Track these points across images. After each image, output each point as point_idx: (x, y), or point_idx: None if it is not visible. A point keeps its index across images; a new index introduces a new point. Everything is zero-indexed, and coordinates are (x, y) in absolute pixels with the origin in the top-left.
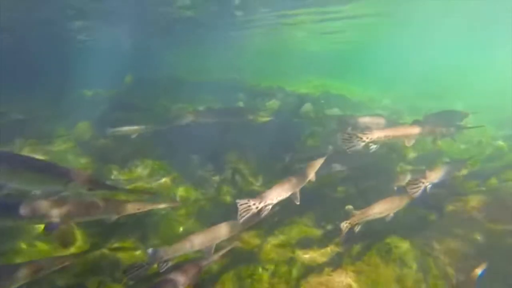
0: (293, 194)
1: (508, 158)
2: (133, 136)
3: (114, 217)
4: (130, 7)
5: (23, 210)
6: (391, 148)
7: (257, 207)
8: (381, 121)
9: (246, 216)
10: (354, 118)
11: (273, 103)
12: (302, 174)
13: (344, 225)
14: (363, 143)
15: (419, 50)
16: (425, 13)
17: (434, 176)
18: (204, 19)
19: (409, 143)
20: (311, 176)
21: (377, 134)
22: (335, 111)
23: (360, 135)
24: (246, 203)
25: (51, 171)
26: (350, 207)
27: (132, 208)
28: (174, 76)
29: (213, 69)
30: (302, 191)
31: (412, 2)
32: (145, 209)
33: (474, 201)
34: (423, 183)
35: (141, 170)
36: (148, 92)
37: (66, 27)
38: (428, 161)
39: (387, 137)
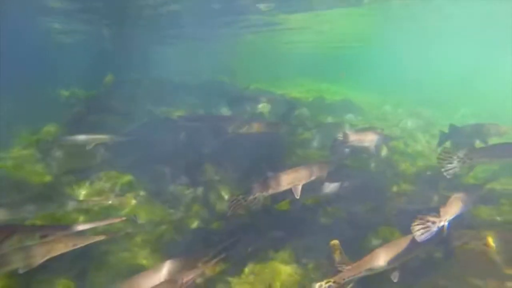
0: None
1: None
2: (90, 147)
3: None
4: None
5: None
6: (387, 163)
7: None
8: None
9: None
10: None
11: (263, 107)
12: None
13: (324, 286)
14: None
15: (417, 54)
16: (423, 17)
17: (451, 211)
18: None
19: None
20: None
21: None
22: (350, 117)
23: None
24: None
25: None
26: (335, 243)
27: (63, 247)
28: (159, 77)
29: (203, 70)
30: (280, 215)
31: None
32: (85, 243)
33: (490, 236)
34: (435, 223)
35: (103, 184)
36: (129, 94)
37: (41, 23)
38: (431, 179)
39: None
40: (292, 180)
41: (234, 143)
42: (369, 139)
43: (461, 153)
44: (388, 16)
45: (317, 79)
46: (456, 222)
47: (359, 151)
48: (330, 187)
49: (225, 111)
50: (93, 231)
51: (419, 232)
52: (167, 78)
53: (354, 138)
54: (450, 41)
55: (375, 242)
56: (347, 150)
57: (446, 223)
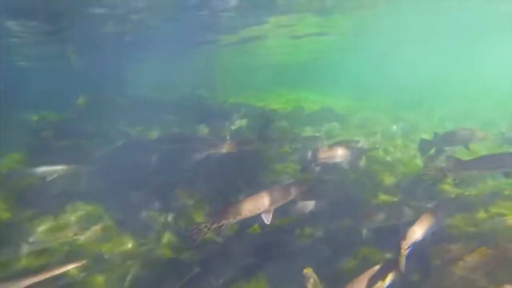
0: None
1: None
2: (50, 178)
3: None
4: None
5: None
6: (366, 174)
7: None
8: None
9: None
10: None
11: (241, 122)
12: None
13: None
14: None
15: (392, 58)
16: (396, 22)
17: (418, 232)
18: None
19: None
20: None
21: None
22: (332, 126)
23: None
24: None
25: None
26: (308, 272)
27: None
28: (135, 95)
29: (182, 85)
30: (254, 239)
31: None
32: None
33: (466, 252)
34: (402, 248)
35: (68, 217)
36: (103, 115)
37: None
38: (409, 188)
39: None
40: (261, 205)
41: (209, 163)
42: (340, 155)
43: (447, 166)
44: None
45: (296, 88)
46: (430, 238)
47: (331, 168)
48: (305, 207)
49: (203, 128)
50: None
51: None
52: (144, 96)
53: (324, 155)
54: (424, 42)
55: (353, 263)
56: (317, 168)
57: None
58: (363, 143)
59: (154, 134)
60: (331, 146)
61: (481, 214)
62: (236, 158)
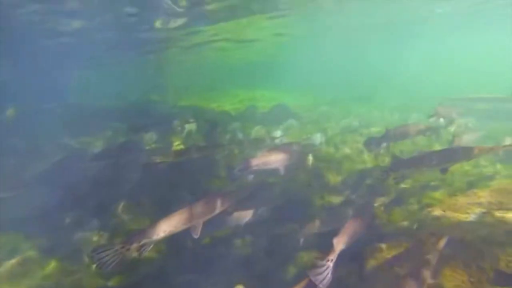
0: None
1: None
2: None
3: None
4: None
5: None
6: (313, 173)
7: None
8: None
9: None
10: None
11: (190, 126)
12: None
13: None
14: None
15: (344, 54)
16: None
17: (342, 242)
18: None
19: None
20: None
21: None
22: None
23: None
24: None
25: None
26: None
27: None
28: (78, 103)
29: (132, 90)
30: (191, 253)
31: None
32: None
33: (392, 249)
34: (329, 262)
35: None
36: (37, 127)
37: None
38: (354, 186)
39: None
40: (186, 220)
41: (152, 174)
42: (277, 160)
43: (390, 166)
44: (311, 19)
45: (252, 87)
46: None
47: (268, 174)
48: (240, 217)
49: (151, 135)
50: None
51: (319, 278)
52: (88, 104)
53: (258, 162)
54: (369, 38)
55: (293, 271)
56: (251, 177)
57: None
58: (318, 139)
59: (99, 144)
60: (266, 152)
61: (413, 207)
62: (180, 167)
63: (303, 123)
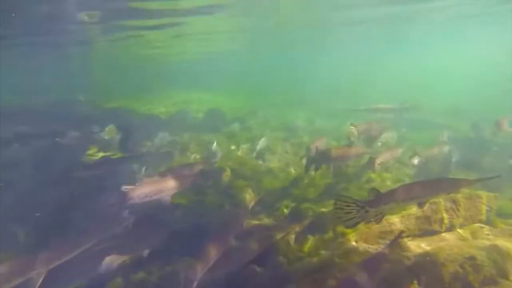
0: None
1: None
2: None
3: None
4: None
5: None
6: (227, 193)
7: None
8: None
9: None
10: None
11: (110, 131)
12: None
13: None
14: None
15: (281, 57)
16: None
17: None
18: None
19: None
20: None
21: None
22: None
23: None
24: None
25: None
26: None
27: None
28: None
29: (54, 88)
30: None
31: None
32: None
33: None
34: None
35: None
36: None
37: None
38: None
39: None
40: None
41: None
42: (162, 189)
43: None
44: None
45: (189, 89)
46: None
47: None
48: (107, 266)
49: (71, 137)
50: None
51: None
52: None
53: (138, 193)
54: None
55: None
56: (126, 213)
57: None
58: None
59: None
60: (157, 177)
61: (329, 235)
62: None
63: (232, 131)
